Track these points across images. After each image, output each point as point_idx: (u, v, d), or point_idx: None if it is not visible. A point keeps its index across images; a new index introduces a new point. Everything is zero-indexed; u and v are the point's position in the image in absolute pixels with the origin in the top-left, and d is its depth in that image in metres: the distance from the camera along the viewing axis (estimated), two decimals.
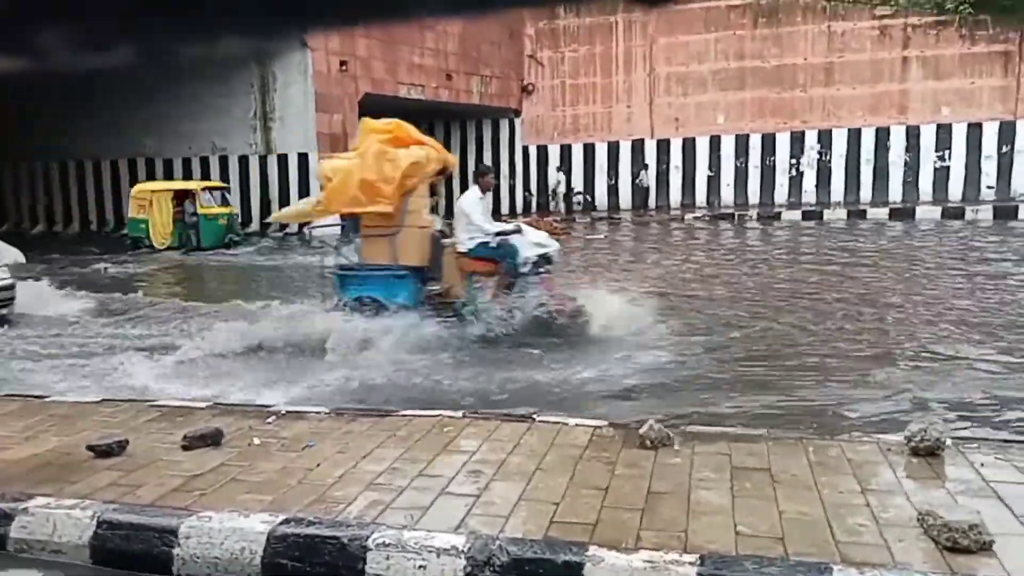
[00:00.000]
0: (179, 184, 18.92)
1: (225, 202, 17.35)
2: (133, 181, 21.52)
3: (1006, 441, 3.75)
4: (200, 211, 16.17)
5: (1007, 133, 21.65)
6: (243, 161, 19.89)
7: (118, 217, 21.91)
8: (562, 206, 25.00)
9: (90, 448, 3.76)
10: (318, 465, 3.59)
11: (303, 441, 3.92)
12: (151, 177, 21.21)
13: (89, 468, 3.61)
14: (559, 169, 25.40)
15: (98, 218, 22.40)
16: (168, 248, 16.14)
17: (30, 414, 4.52)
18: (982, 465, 3.37)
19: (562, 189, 25.27)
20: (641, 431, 3.73)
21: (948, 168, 22.18)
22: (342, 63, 19.16)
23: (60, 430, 4.22)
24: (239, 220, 17.66)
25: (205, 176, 20.44)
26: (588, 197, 25.44)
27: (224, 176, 20.19)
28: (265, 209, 19.70)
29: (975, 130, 21.85)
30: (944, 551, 2.61)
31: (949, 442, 3.57)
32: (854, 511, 2.97)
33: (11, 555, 3.06)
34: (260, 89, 19.17)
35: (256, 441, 3.94)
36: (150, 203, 16.35)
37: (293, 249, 15.77)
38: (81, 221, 22.65)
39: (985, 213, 19.69)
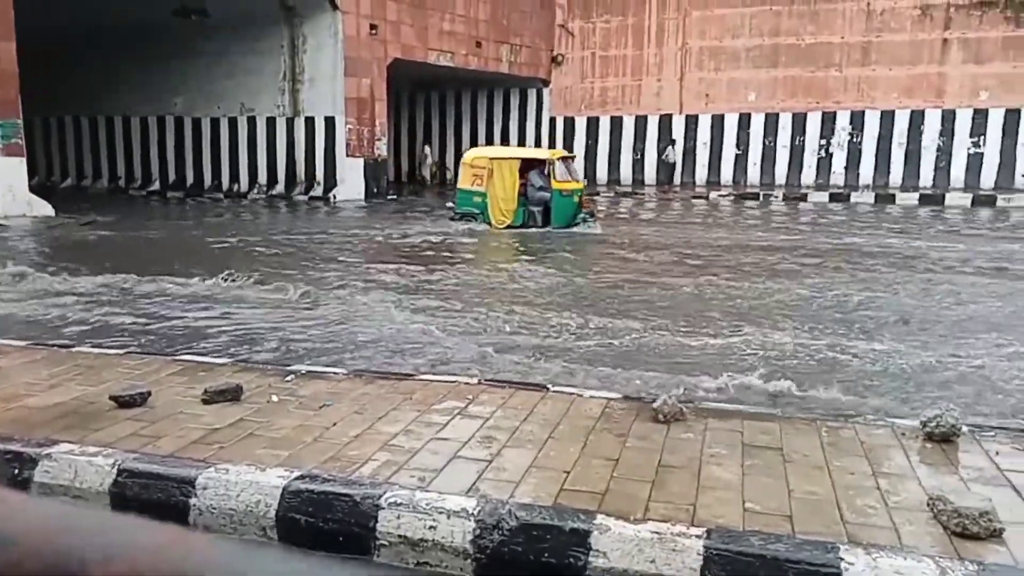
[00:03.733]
0: (527, 152, 17.61)
1: (574, 175, 14.26)
2: (162, 139, 21.74)
3: (1022, 430, 3.72)
4: (555, 185, 13.24)
5: None
6: (270, 123, 19.95)
7: (145, 175, 22.17)
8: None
9: (113, 398, 3.85)
10: (334, 424, 3.64)
11: (321, 400, 3.98)
12: (179, 135, 21.40)
13: (111, 418, 3.69)
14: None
15: (126, 174, 22.63)
16: (509, 227, 13.39)
17: (56, 363, 4.62)
18: (997, 453, 3.35)
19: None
20: (655, 405, 3.75)
21: (982, 155, 21.74)
22: (372, 27, 19.07)
23: (85, 380, 4.31)
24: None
25: (233, 136, 20.55)
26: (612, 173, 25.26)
27: (252, 137, 20.29)
28: (291, 172, 19.84)
29: (1013, 116, 21.35)
30: (953, 536, 2.61)
31: (965, 429, 3.55)
32: (864, 493, 2.97)
33: None
34: (290, 51, 19.16)
35: (275, 398, 4.00)
36: (490, 173, 13.40)
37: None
38: (110, 177, 22.91)
39: (1018, 202, 19.31)
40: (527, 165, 13.65)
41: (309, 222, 15.52)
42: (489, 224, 13.42)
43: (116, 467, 3.15)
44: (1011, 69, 21.25)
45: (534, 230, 13.20)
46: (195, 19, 18.88)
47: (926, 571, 2.40)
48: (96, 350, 5.13)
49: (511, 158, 13.90)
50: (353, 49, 18.68)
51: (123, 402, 3.82)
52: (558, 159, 13.61)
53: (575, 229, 13.22)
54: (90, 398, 3.98)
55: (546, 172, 13.37)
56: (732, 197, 21.56)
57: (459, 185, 14.22)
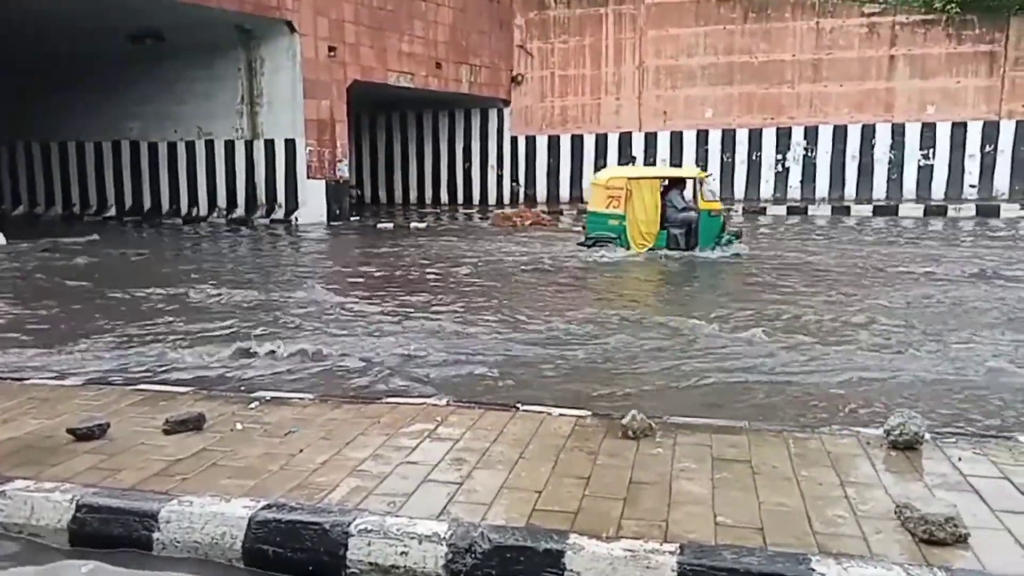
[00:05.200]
0: (669, 171, 16.72)
1: (715, 195, 13.33)
2: (117, 164, 21.34)
3: (983, 436, 3.80)
4: (703, 206, 12.24)
5: (991, 133, 21.85)
6: (229, 146, 19.73)
7: (101, 200, 21.72)
8: None
9: (71, 431, 3.73)
10: (301, 451, 3.58)
11: (286, 427, 3.91)
12: (135, 160, 21.02)
13: (69, 451, 3.58)
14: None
15: (81, 201, 22.16)
16: (651, 251, 12.28)
17: (9, 397, 4.48)
18: (959, 459, 3.42)
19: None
20: (624, 421, 3.75)
21: (932, 166, 22.37)
22: (331, 49, 19.03)
23: (39, 412, 4.18)
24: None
25: (191, 160, 20.27)
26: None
27: (210, 161, 20.03)
28: (251, 195, 19.61)
29: (959, 129, 22.04)
30: (920, 543, 2.65)
31: (928, 436, 3.62)
32: (833, 503, 3.00)
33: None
34: (247, 73, 18.99)
35: (239, 426, 3.93)
36: (628, 194, 12.28)
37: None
38: (64, 203, 22.41)
39: (968, 211, 19.90)
40: (667, 185, 12.64)
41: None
42: (627, 249, 12.27)
43: (75, 502, 3.05)
44: (955, 84, 21.97)
45: (679, 254, 12.14)
46: (150, 44, 18.65)
47: None
48: (52, 382, 4.99)
49: (652, 178, 12.78)
50: (312, 71, 18.60)
51: (81, 435, 3.71)
52: (704, 177, 12.69)
53: (717, 253, 12.16)
54: (46, 432, 3.86)
55: (684, 191, 12.62)
56: None
57: (591, 208, 12.99)
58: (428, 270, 11.51)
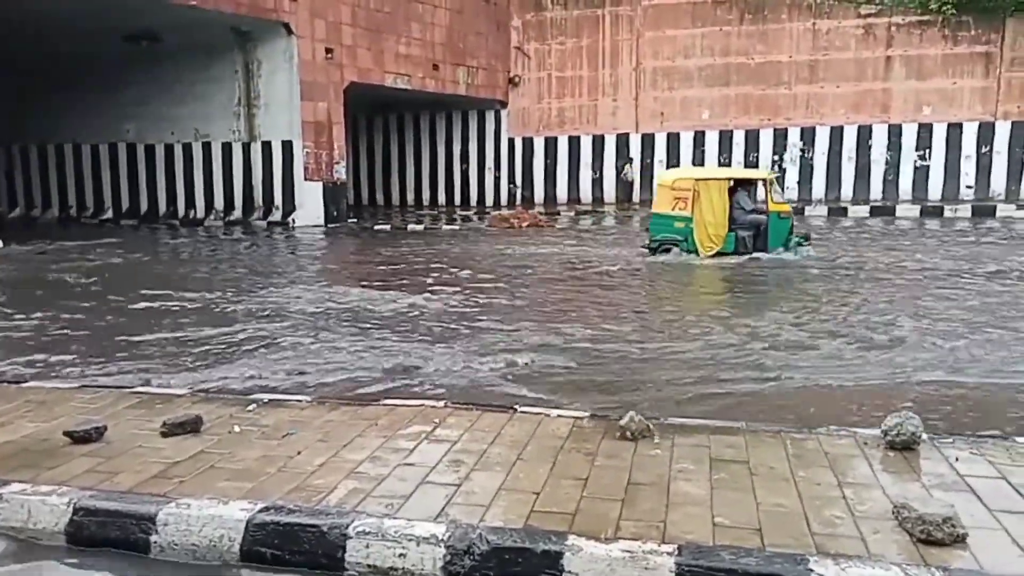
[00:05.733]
0: (738, 172, 16.24)
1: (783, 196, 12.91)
2: (114, 167, 21.32)
3: (980, 436, 3.81)
4: (772, 207, 11.89)
5: (986, 134, 21.90)
6: (226, 148, 19.71)
7: (98, 203, 21.68)
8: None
9: (67, 434, 3.73)
10: (299, 453, 3.58)
11: (284, 429, 3.91)
12: (132, 162, 21.00)
13: (66, 454, 3.58)
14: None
15: (78, 203, 22.13)
16: (719, 255, 11.88)
17: (6, 400, 4.47)
18: (956, 460, 3.43)
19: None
20: (621, 423, 3.76)
21: (928, 167, 22.43)
22: (328, 51, 19.03)
23: (36, 416, 4.17)
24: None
25: (188, 162, 20.25)
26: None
27: (207, 163, 20.02)
28: (248, 197, 19.60)
29: (955, 130, 22.09)
30: (918, 543, 2.65)
31: (925, 437, 3.62)
32: (830, 503, 3.01)
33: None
34: (244, 75, 18.99)
35: (236, 429, 3.92)
36: (696, 195, 11.93)
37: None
38: (60, 206, 22.38)
39: (964, 212, 19.94)
40: (734, 186, 12.27)
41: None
42: (695, 252, 11.94)
43: (72, 506, 3.04)
44: (951, 85, 22.02)
45: (743, 257, 11.81)
46: (146, 45, 18.63)
47: None
48: (48, 384, 4.98)
49: (721, 179, 12.39)
50: (309, 73, 18.60)
51: (78, 438, 3.70)
52: (774, 178, 12.33)
53: (786, 255, 11.81)
54: (43, 435, 3.85)
55: (752, 193, 12.30)
56: None
57: (655, 210, 12.56)
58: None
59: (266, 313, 8.13)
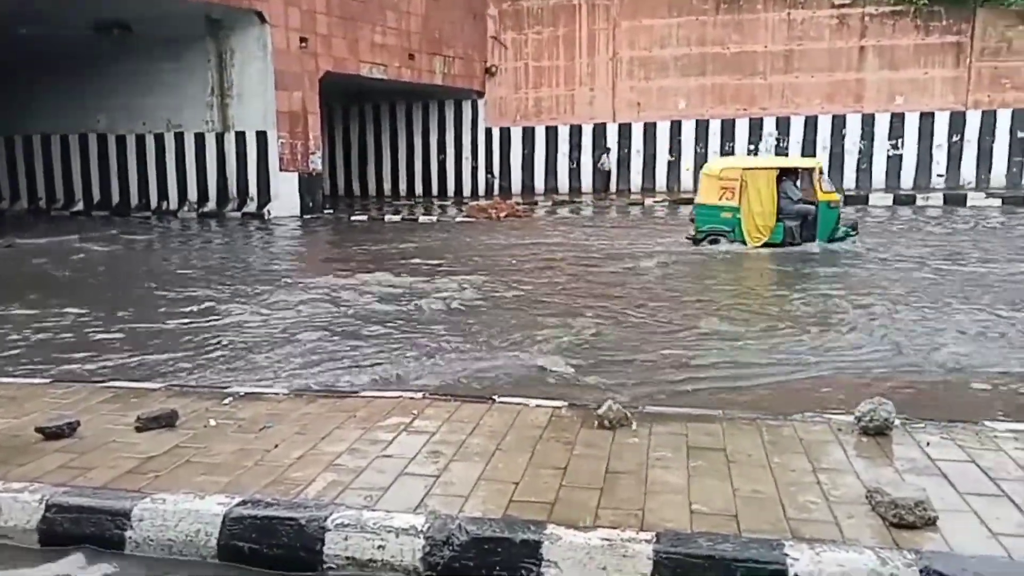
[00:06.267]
0: (785, 160, 16.09)
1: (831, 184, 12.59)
2: (84, 158, 20.98)
3: (951, 421, 3.87)
4: (822, 197, 11.69)
5: (957, 123, 22.21)
6: (199, 138, 19.46)
7: (68, 194, 21.33)
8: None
9: (39, 430, 3.67)
10: (276, 446, 3.55)
11: (260, 422, 3.88)
12: (103, 153, 20.68)
13: (38, 450, 3.52)
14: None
15: (47, 195, 21.75)
16: (766, 245, 11.65)
17: None
18: (928, 444, 3.48)
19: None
20: (599, 411, 3.77)
21: (901, 156, 22.71)
22: (302, 40, 18.83)
23: (7, 412, 4.10)
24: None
25: (160, 153, 19.97)
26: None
27: (180, 153, 19.76)
28: (222, 188, 19.37)
29: (927, 119, 22.38)
30: (891, 527, 2.69)
31: (897, 422, 3.68)
32: (806, 489, 3.04)
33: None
34: (217, 65, 18.74)
35: (212, 422, 3.88)
36: (743, 185, 11.71)
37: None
38: (30, 198, 21.99)
39: (936, 200, 20.22)
40: (781, 175, 11.99)
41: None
42: (742, 243, 11.74)
43: (44, 502, 3.00)
44: (923, 75, 22.29)
45: (793, 248, 11.59)
46: (117, 34, 18.31)
47: (867, 562, 2.47)
48: (19, 380, 4.90)
49: (768, 168, 12.10)
50: (283, 62, 18.40)
51: (50, 433, 3.65)
52: (821, 167, 12.14)
53: (835, 245, 11.65)
54: (14, 431, 3.79)
55: (797, 181, 12.10)
56: (667, 203, 21.97)
57: (700, 200, 12.36)
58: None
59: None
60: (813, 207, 11.79)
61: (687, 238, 12.63)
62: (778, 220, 11.77)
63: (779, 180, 11.86)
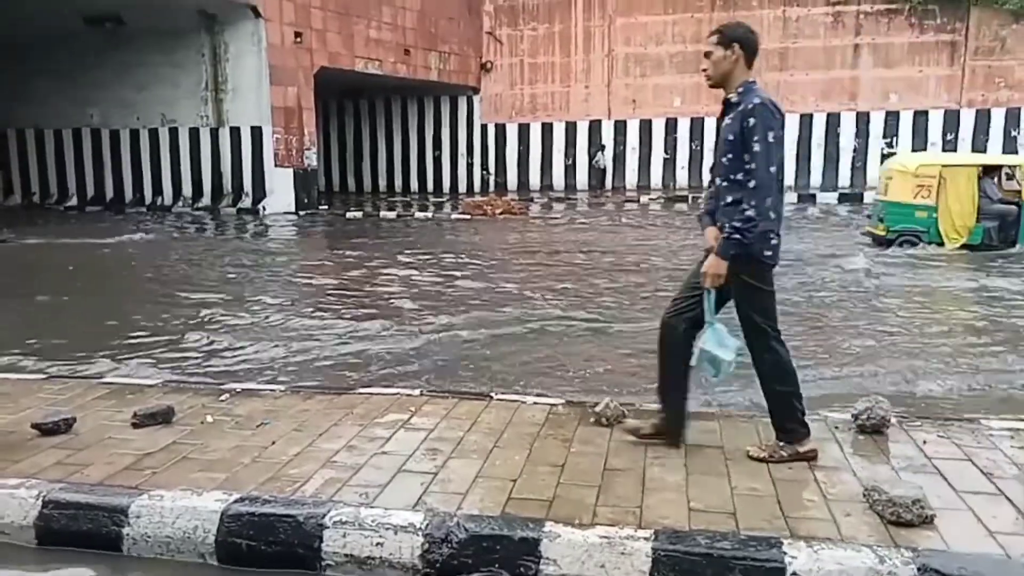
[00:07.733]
0: (987, 157, 15.44)
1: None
2: (78, 152, 20.86)
3: (947, 419, 3.89)
4: None
5: (951, 121, 22.28)
6: (193, 133, 19.38)
7: (62, 189, 21.22)
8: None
9: (35, 426, 3.65)
10: (273, 443, 3.55)
11: (258, 419, 3.87)
12: (96, 148, 20.57)
13: (34, 447, 3.51)
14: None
15: (41, 190, 21.64)
16: (965, 247, 10.94)
17: None
18: (924, 442, 3.50)
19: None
20: (597, 409, 3.78)
21: (895, 154, 22.72)
22: (297, 34, 18.76)
23: (3, 408, 4.08)
24: None
25: (154, 148, 19.89)
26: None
27: (174, 149, 19.67)
28: (217, 184, 19.30)
29: (921, 117, 22.44)
30: (888, 525, 2.70)
31: (894, 420, 3.69)
32: (803, 487, 3.05)
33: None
34: (211, 59, 18.66)
35: (209, 419, 3.87)
36: (941, 182, 11.02)
37: None
38: (23, 193, 21.87)
39: None
40: (981, 173, 11.31)
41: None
42: (938, 244, 11.03)
43: (41, 499, 2.98)
44: (917, 73, 22.35)
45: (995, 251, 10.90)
46: (109, 27, 18.21)
47: (865, 560, 2.48)
48: (14, 376, 4.87)
49: (970, 165, 11.43)
50: (278, 57, 18.33)
51: (46, 430, 3.63)
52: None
53: None
54: (9, 427, 3.77)
55: (997, 180, 11.40)
56: (662, 200, 21.99)
57: (892, 198, 11.49)
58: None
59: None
60: (1015, 207, 11.08)
61: (863, 233, 11.87)
62: (977, 221, 11.11)
63: (979, 178, 11.25)
